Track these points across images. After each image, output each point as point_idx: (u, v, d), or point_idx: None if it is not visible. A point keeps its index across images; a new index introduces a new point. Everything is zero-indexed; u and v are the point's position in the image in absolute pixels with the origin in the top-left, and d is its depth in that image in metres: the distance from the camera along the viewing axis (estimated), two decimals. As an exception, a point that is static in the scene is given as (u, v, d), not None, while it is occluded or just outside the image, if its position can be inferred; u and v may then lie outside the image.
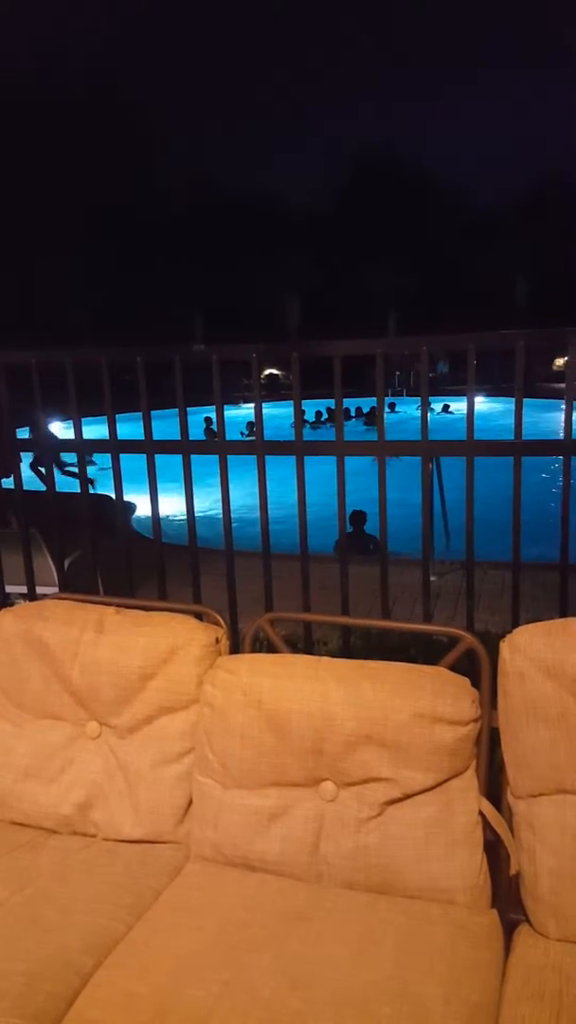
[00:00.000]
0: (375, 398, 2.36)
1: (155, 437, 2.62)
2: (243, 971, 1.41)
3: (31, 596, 2.95)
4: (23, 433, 2.94)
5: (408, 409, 18.30)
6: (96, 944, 1.50)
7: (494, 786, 1.70)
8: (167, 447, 2.60)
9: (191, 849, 1.79)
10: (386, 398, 2.42)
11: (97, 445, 2.69)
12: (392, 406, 17.23)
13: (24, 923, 1.55)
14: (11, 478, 2.90)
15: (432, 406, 2.40)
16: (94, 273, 29.07)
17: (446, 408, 18.69)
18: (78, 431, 2.72)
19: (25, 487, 2.94)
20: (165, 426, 2.63)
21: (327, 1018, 1.30)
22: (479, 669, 1.74)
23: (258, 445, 2.49)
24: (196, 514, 2.66)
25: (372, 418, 16.80)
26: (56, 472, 2.88)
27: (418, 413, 2.32)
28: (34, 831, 1.89)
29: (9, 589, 3.18)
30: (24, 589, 3.02)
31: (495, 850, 1.63)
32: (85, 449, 2.76)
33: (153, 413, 2.61)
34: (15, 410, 2.82)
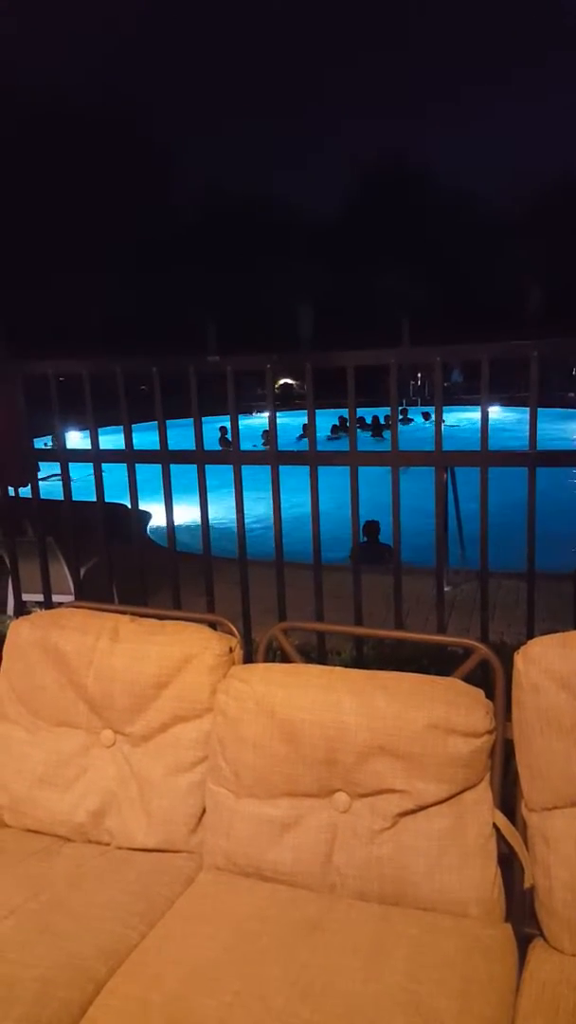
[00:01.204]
0: (377, 408, 2.38)
1: (170, 446, 2.64)
2: (255, 981, 1.41)
3: (47, 604, 2.97)
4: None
5: (415, 418, 18.38)
6: (109, 952, 1.50)
7: (508, 798, 1.69)
8: (182, 457, 2.62)
9: (204, 858, 1.79)
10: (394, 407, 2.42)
11: (113, 455, 2.72)
12: (404, 412, 17.23)
13: (38, 930, 1.55)
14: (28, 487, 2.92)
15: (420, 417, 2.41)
16: (106, 282, 29.27)
17: (427, 416, 18.69)
18: (95, 441, 2.75)
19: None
20: (180, 435, 2.65)
21: (339, 1030, 1.30)
22: (493, 680, 1.73)
23: (272, 455, 2.50)
24: (211, 523, 2.68)
25: (378, 429, 16.83)
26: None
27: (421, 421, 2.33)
28: (48, 838, 1.90)
29: (25, 597, 3.21)
30: (40, 597, 3.05)
31: (509, 863, 1.63)
32: (101, 459, 2.78)
33: (168, 422, 2.64)
34: (32, 420, 2.85)
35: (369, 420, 18.58)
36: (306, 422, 2.37)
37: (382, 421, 18.07)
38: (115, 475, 2.78)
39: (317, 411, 2.47)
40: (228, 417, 2.56)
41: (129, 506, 2.81)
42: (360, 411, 2.45)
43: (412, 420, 18.43)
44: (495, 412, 2.34)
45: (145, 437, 2.70)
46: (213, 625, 2.04)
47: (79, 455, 2.83)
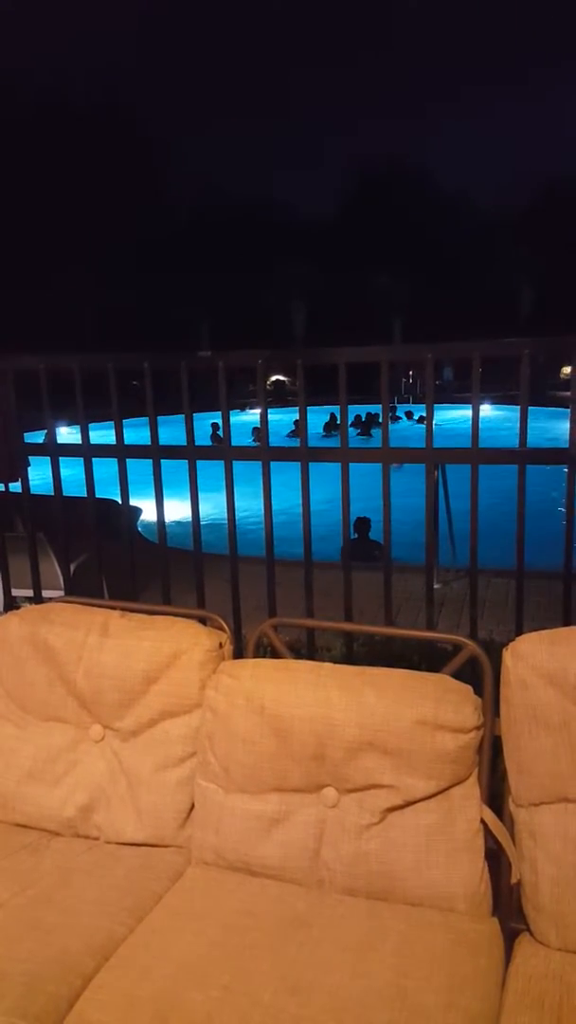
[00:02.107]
0: (368, 406, 2.38)
1: (162, 442, 2.64)
2: (243, 976, 1.41)
3: (37, 600, 2.96)
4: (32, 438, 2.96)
5: (400, 417, 18.41)
6: (97, 946, 1.50)
7: (496, 794, 1.70)
8: (173, 452, 2.62)
9: (192, 853, 1.79)
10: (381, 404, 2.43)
11: (103, 450, 2.71)
12: (392, 410, 17.20)
13: (26, 924, 1.55)
14: (18, 482, 2.92)
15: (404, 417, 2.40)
16: (101, 281, 29.22)
17: (410, 415, 18.73)
18: (85, 436, 2.74)
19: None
20: (172, 432, 2.65)
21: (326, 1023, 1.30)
22: (482, 677, 1.74)
23: (263, 451, 2.50)
24: (201, 519, 2.68)
25: (366, 427, 16.84)
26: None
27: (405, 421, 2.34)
28: (37, 833, 1.90)
29: (15, 593, 3.20)
30: (30, 592, 3.04)
31: (496, 858, 1.63)
32: (92, 454, 2.77)
33: (160, 419, 2.63)
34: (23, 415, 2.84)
35: (364, 417, 18.63)
36: (297, 419, 2.38)
37: (363, 420, 18.15)
38: (105, 470, 2.78)
39: (308, 408, 2.47)
40: (219, 413, 2.56)
41: (119, 502, 2.81)
42: (350, 409, 2.46)
43: (399, 419, 18.45)
44: (484, 410, 2.34)
45: (135, 433, 2.70)
46: (203, 621, 2.04)
47: (69, 450, 2.82)
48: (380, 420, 2.34)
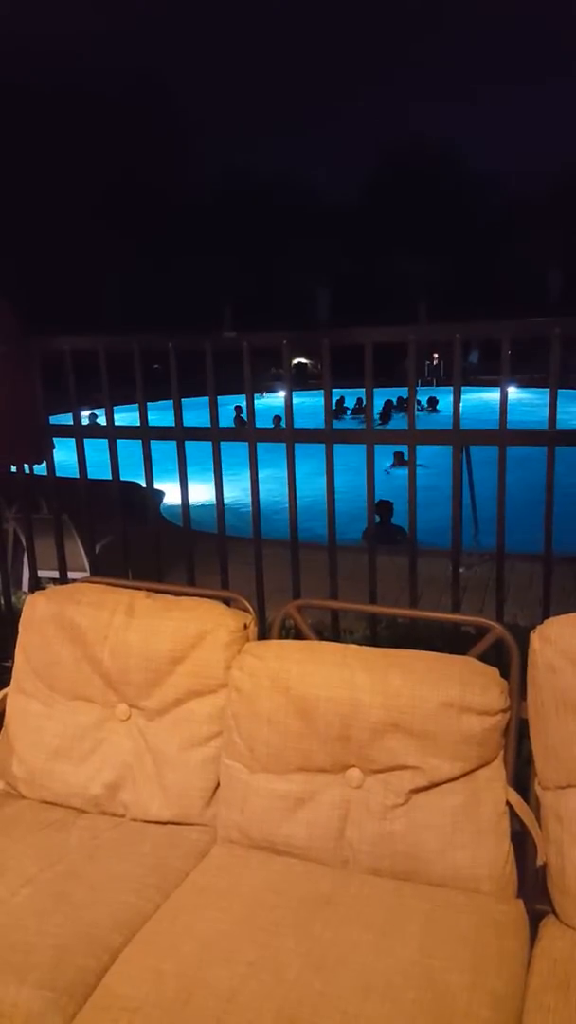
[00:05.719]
0: (381, 388, 2.34)
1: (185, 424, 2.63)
2: (268, 953, 1.42)
3: (62, 580, 2.98)
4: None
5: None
6: (124, 922, 1.52)
7: (522, 777, 1.69)
8: (197, 434, 2.61)
9: (218, 832, 1.81)
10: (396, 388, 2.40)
11: (128, 431, 2.71)
12: (400, 399, 16.68)
13: (54, 899, 1.58)
14: (43, 464, 2.93)
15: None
16: (125, 264, 29.22)
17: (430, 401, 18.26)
18: (110, 418, 2.75)
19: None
20: (194, 416, 2.64)
21: (351, 1001, 1.31)
22: (508, 660, 1.73)
23: (287, 433, 2.48)
24: (225, 502, 2.67)
25: (386, 416, 16.56)
26: None
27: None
28: (64, 810, 1.92)
29: (41, 573, 3.22)
30: (55, 574, 3.06)
31: (522, 841, 1.63)
32: (117, 435, 2.78)
33: (183, 402, 2.63)
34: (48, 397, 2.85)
35: (364, 404, 18.38)
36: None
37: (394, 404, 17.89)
38: (126, 452, 2.78)
39: (319, 392, 2.45)
40: (240, 396, 2.55)
41: (143, 484, 2.81)
42: (354, 392, 2.43)
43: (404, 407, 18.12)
44: (514, 393, 2.31)
45: (157, 417, 2.69)
46: (227, 602, 2.04)
47: (94, 431, 2.82)
48: (391, 409, 2.31)
